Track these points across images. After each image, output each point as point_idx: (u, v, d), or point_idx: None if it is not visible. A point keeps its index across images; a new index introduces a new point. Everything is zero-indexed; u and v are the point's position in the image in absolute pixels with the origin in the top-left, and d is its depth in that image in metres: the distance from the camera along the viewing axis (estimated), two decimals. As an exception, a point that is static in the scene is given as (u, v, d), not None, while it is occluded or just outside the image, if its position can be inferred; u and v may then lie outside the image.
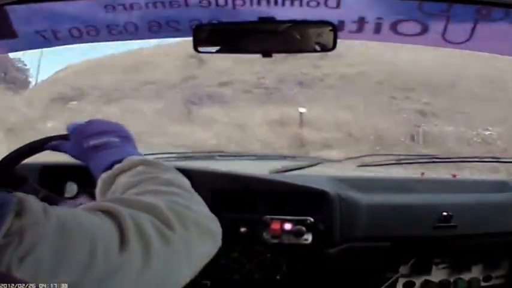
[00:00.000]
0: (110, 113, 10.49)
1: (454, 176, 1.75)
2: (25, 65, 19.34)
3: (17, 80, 16.75)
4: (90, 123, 0.74)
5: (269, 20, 1.09)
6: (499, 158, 1.81)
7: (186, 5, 1.13)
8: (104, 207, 0.49)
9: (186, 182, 0.62)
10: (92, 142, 0.70)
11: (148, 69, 13.41)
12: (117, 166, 0.64)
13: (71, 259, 0.42)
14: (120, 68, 13.83)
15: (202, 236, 0.54)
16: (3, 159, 0.99)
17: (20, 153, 1.00)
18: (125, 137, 0.72)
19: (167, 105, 11.41)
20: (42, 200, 0.96)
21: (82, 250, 0.43)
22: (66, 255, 0.42)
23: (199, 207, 0.57)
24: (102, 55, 14.57)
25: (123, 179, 0.61)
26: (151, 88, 12.79)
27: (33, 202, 0.44)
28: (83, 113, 10.85)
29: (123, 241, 0.46)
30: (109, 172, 0.64)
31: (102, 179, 0.65)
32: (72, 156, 0.76)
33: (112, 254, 0.45)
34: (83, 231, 0.44)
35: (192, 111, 11.31)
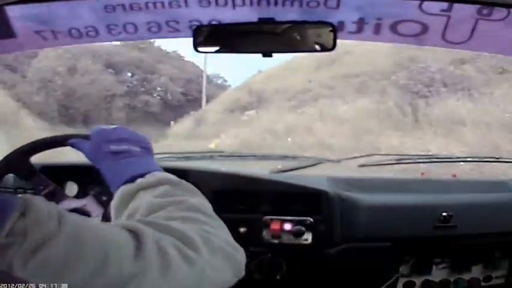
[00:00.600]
0: (293, 121, 8.13)
1: (454, 176, 1.75)
2: (225, 80, 18.30)
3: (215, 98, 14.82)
4: (114, 129, 0.73)
5: (269, 21, 1.09)
6: (498, 158, 1.81)
7: (186, 5, 1.13)
8: (131, 227, 0.49)
9: (209, 207, 0.61)
10: (113, 147, 0.69)
11: (348, 59, 9.97)
12: (139, 181, 0.62)
13: (80, 264, 0.42)
14: (312, 67, 10.98)
15: (227, 263, 0.54)
16: (25, 146, 1.02)
17: (41, 144, 1.02)
18: (147, 148, 0.70)
19: (377, 104, 7.79)
20: (50, 193, 0.99)
21: (93, 256, 0.43)
22: (76, 259, 0.42)
23: (225, 235, 0.57)
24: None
25: (146, 197, 0.60)
26: (353, 83, 9.30)
27: (40, 203, 0.44)
28: (258, 122, 8.83)
29: (138, 253, 0.46)
30: (131, 186, 0.62)
31: (122, 191, 0.62)
32: (88, 157, 0.75)
33: (126, 263, 0.44)
34: (97, 238, 0.44)
35: (418, 107, 7.32)
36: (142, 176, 0.63)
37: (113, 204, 0.63)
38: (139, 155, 0.68)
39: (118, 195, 0.63)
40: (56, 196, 1.02)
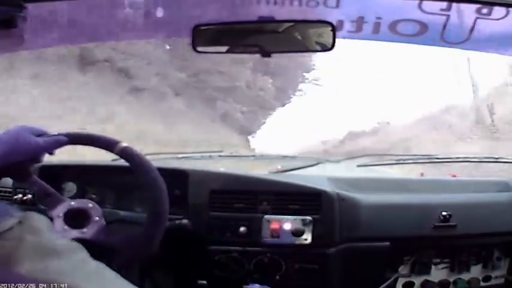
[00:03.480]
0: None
1: (454, 176, 1.75)
2: None
3: None
4: None
5: (268, 20, 1.09)
6: (498, 158, 1.81)
7: (185, 4, 1.13)
8: None
9: None
10: None
11: None
12: None
13: None
14: None
15: None
16: None
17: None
18: None
19: None
20: (46, 195, 1.00)
21: None
22: None
23: None
24: None
25: None
26: None
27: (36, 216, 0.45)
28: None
29: None
30: None
31: None
32: None
33: None
34: None
35: None
36: None
37: None
38: None
39: None
40: (52, 198, 1.02)
